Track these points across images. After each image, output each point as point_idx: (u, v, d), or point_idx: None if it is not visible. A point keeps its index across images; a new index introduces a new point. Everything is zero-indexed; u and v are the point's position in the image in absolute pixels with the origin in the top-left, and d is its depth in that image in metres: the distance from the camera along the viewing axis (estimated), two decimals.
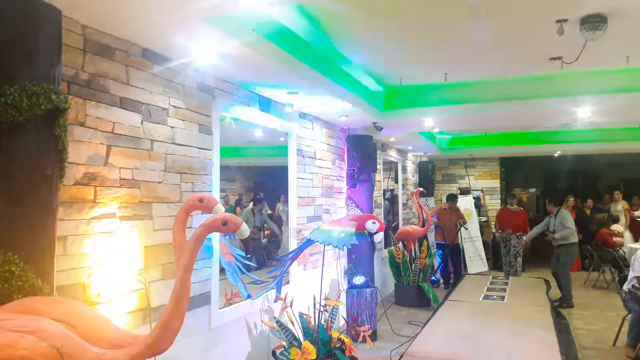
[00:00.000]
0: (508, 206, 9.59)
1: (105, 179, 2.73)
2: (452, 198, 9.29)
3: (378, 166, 7.34)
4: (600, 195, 11.97)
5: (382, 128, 6.36)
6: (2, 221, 1.90)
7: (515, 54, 4.55)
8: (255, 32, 3.06)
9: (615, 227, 9.03)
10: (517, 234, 9.02)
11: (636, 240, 8.86)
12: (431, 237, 9.42)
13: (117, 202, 2.81)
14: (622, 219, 9.63)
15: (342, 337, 4.19)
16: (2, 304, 1.84)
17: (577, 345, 5.36)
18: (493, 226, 10.86)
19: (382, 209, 8.37)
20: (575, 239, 7.45)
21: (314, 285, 4.92)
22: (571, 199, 9.63)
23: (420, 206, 8.38)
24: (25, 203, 1.96)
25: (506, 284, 6.07)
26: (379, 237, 4.77)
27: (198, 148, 3.56)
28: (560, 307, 7.05)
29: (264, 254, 8.24)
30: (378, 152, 7.25)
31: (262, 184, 9.83)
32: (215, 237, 3.74)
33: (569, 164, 11.74)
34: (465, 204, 10.14)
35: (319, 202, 5.73)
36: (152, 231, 3.07)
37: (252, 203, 8.18)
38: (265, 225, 8.59)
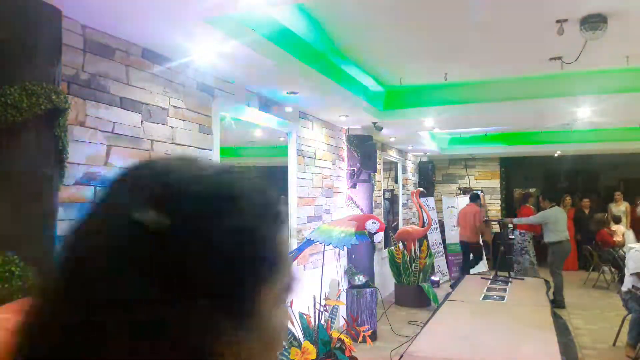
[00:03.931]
0: (530, 205, 9.04)
1: (105, 179, 2.73)
2: (476, 198, 8.91)
3: (378, 166, 7.34)
4: (600, 195, 11.96)
5: (382, 128, 6.36)
6: (2, 221, 1.90)
7: (515, 54, 4.55)
8: (255, 32, 3.06)
9: (617, 228, 9.02)
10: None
11: (638, 240, 8.85)
12: (432, 237, 9.41)
13: None
14: (624, 219, 9.61)
15: (342, 337, 4.18)
16: (2, 303, 1.84)
17: (577, 345, 5.36)
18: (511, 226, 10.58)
19: (382, 209, 8.37)
20: (556, 238, 7.40)
21: (314, 285, 4.92)
22: (568, 198, 9.58)
23: (420, 206, 8.37)
24: (25, 203, 1.95)
25: (506, 284, 6.08)
26: (379, 237, 4.77)
27: (198, 148, 3.56)
28: (554, 307, 7.05)
29: None
30: (378, 152, 7.25)
31: None
32: None
33: (569, 164, 11.74)
34: (465, 204, 10.13)
35: (319, 202, 5.73)
36: None
37: None
38: None
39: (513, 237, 9.10)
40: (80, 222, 0.46)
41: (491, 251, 10.54)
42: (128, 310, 0.39)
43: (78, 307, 0.40)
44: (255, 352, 0.44)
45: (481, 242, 8.92)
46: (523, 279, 6.62)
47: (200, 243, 0.41)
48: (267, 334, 0.45)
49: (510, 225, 9.01)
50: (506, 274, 6.35)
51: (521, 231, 8.71)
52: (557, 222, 7.46)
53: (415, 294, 7.41)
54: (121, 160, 2.85)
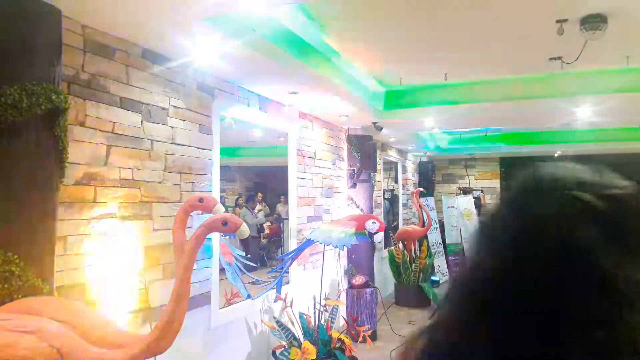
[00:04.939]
0: None
1: (105, 179, 2.73)
2: None
3: (378, 166, 7.34)
4: None
5: (382, 128, 6.36)
6: (2, 221, 1.90)
7: (515, 54, 4.55)
8: (255, 32, 3.06)
9: None
10: None
11: None
12: (432, 237, 9.42)
13: (117, 202, 2.81)
14: None
15: (342, 337, 4.19)
16: (2, 304, 1.84)
17: None
18: None
19: (382, 209, 8.37)
20: None
21: (314, 285, 4.92)
22: None
23: (420, 206, 8.38)
24: (25, 203, 1.96)
25: None
26: (379, 237, 4.77)
27: (198, 148, 3.56)
28: None
29: (264, 254, 8.24)
30: (378, 152, 7.25)
31: (262, 184, 9.84)
32: (215, 237, 3.74)
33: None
34: (465, 204, 10.14)
35: (319, 202, 5.73)
36: (152, 231, 3.08)
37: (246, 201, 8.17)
38: (263, 225, 8.58)
39: None
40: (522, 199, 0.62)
41: None
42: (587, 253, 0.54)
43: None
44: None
45: None
46: None
47: (625, 214, 0.58)
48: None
49: None
50: None
51: None
52: None
53: (415, 294, 7.41)
54: (121, 160, 2.85)
